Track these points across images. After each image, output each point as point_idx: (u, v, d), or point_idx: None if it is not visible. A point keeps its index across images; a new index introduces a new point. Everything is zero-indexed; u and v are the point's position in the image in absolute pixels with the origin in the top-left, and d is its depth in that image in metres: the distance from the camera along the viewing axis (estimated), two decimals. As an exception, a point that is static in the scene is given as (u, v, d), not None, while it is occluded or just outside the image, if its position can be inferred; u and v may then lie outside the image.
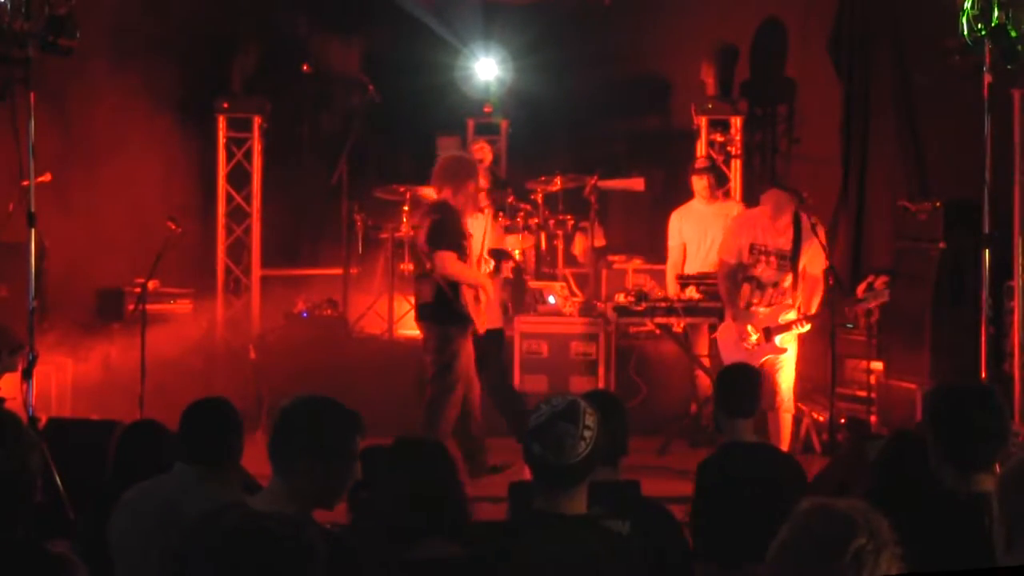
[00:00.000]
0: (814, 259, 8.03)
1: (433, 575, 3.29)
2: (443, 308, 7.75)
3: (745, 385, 5.39)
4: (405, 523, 3.30)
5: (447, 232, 7.72)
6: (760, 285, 8.06)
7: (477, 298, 7.85)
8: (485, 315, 7.96)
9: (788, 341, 8.01)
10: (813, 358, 9.37)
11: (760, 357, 8.02)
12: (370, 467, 4.21)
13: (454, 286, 7.72)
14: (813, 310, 8.02)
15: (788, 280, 8.03)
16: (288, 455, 3.43)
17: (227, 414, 4.18)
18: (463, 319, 7.74)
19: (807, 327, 8.01)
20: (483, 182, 10.50)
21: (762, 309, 8.03)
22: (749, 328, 7.96)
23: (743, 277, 8.07)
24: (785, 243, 7.99)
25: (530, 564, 3.33)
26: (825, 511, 2.52)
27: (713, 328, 8.79)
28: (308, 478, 3.41)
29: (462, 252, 7.77)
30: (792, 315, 8.00)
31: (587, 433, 3.37)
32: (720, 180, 10.02)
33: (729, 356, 8.13)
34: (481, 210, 8.55)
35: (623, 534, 3.88)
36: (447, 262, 7.66)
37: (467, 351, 7.82)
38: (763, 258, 8.02)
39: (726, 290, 8.12)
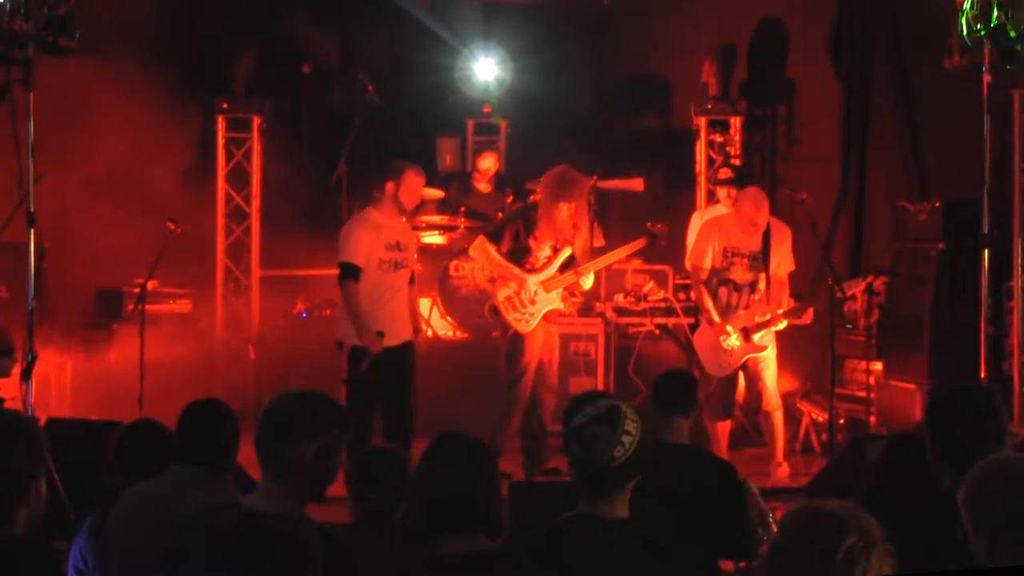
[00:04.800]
0: (781, 263, 8.11)
1: (469, 570, 3.30)
2: None
3: (682, 384, 5.44)
4: (442, 517, 3.32)
5: (502, 224, 8.10)
6: (737, 287, 8.11)
7: (513, 297, 7.96)
8: (522, 316, 8.02)
9: (767, 339, 8.04)
10: (813, 358, 9.39)
11: (741, 357, 8.04)
12: (378, 467, 4.22)
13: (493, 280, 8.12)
14: (781, 310, 8.05)
15: (762, 280, 8.07)
16: (278, 450, 3.42)
17: (222, 415, 4.18)
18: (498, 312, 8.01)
19: (784, 324, 8.04)
20: (487, 188, 10.55)
21: (741, 311, 8.07)
22: (728, 328, 7.99)
23: (719, 281, 8.11)
24: (755, 244, 8.06)
25: (566, 566, 3.34)
26: (814, 512, 2.53)
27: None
28: (299, 472, 3.40)
29: (518, 253, 8.02)
30: (767, 314, 8.03)
31: (626, 439, 3.38)
32: (741, 187, 9.93)
33: (708, 360, 8.16)
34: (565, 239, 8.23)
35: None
36: (476, 245, 8.10)
37: (532, 344, 7.98)
38: (737, 260, 8.09)
39: (701, 295, 8.16)
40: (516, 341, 8.00)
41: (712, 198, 10.17)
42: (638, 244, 8.42)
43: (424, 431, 7.46)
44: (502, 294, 8.00)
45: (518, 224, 8.08)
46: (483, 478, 3.36)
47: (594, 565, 3.36)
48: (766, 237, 8.05)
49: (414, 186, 7.59)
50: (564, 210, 7.91)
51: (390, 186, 7.55)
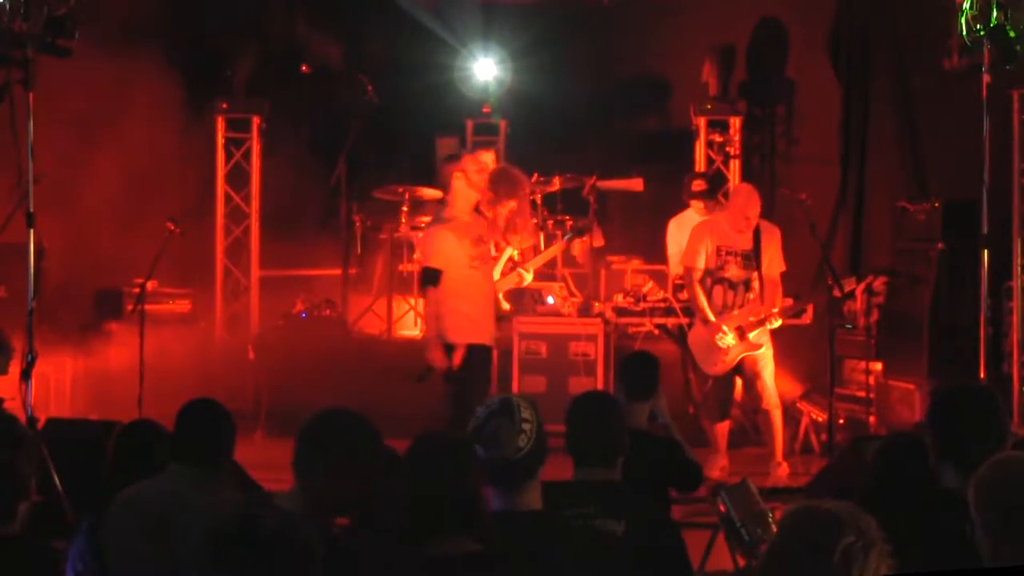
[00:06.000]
0: (772, 263, 8.12)
1: (455, 572, 3.32)
2: None
3: (640, 368, 5.46)
4: (429, 519, 3.33)
5: None
6: (732, 286, 8.14)
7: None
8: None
9: (761, 337, 8.06)
10: (812, 358, 9.38)
11: (737, 356, 8.06)
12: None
13: None
14: (776, 308, 8.05)
15: (755, 279, 8.10)
16: (308, 468, 3.52)
17: (218, 415, 4.19)
18: None
19: (778, 322, 8.06)
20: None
21: (735, 310, 8.08)
22: (724, 327, 8.00)
23: (713, 281, 8.13)
24: (747, 243, 8.09)
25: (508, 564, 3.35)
26: (812, 512, 2.54)
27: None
28: (327, 489, 3.49)
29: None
30: (762, 312, 8.04)
31: (525, 426, 3.45)
32: (714, 199, 9.82)
33: (704, 360, 8.19)
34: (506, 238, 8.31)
35: (617, 534, 3.89)
36: None
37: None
38: (731, 259, 8.12)
39: (695, 295, 8.16)
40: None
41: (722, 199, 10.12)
42: (564, 244, 9.00)
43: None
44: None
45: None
46: (464, 479, 3.37)
47: (517, 561, 3.37)
48: (756, 237, 8.08)
49: (475, 163, 7.52)
50: (508, 207, 7.92)
51: (457, 175, 7.39)
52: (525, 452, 3.44)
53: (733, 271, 8.12)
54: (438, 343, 7.29)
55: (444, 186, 7.50)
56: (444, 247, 7.34)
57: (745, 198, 8.09)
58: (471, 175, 7.41)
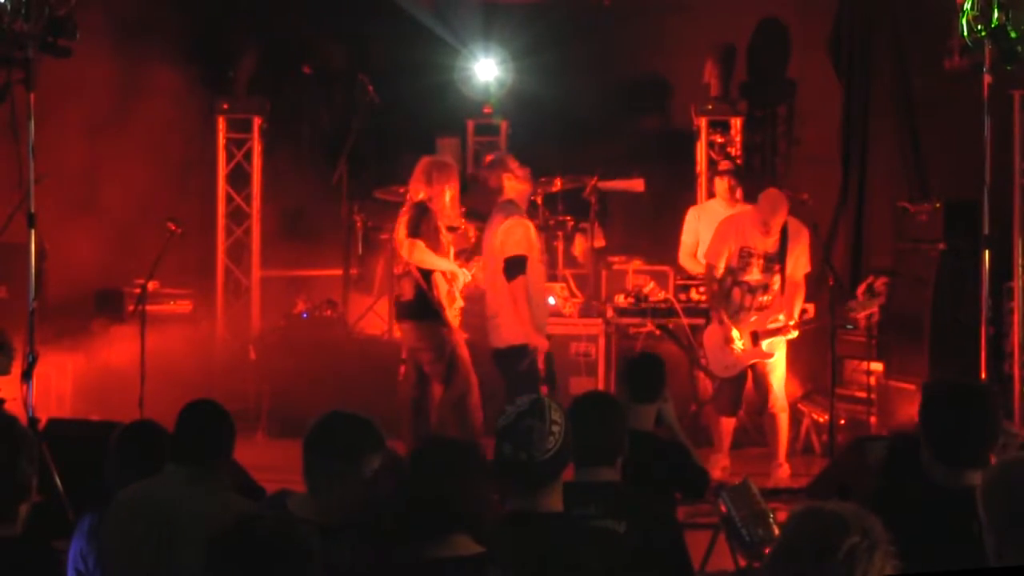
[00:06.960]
0: (797, 264, 8.09)
1: (457, 572, 3.33)
2: (425, 304, 7.85)
3: (645, 370, 5.46)
4: (431, 520, 3.34)
5: (416, 223, 7.88)
6: (751, 289, 8.10)
7: (452, 295, 7.91)
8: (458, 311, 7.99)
9: (776, 346, 8.03)
10: (813, 359, 9.38)
11: (747, 360, 8.04)
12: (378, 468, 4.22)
13: (427, 278, 7.85)
14: (795, 316, 8.03)
15: (776, 283, 8.05)
16: (312, 472, 3.58)
17: (217, 415, 4.19)
18: (439, 313, 7.85)
19: (795, 334, 8.02)
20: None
21: (752, 317, 8.06)
22: (734, 333, 7.99)
23: (732, 282, 8.09)
24: (772, 245, 8.03)
25: (510, 565, 3.35)
26: (816, 512, 2.55)
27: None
28: (336, 496, 3.54)
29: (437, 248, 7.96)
30: (780, 320, 8.01)
31: (555, 428, 3.45)
32: (741, 181, 9.86)
33: (715, 359, 8.16)
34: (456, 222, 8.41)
35: (618, 534, 3.89)
36: (413, 248, 7.83)
37: (463, 345, 7.89)
38: (753, 261, 8.06)
39: (713, 294, 8.14)
40: (447, 335, 7.93)
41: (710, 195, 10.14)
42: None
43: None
44: (443, 289, 7.89)
45: (425, 221, 7.96)
46: (467, 481, 3.38)
47: (536, 562, 3.38)
48: (783, 238, 8.02)
49: (514, 163, 7.65)
50: (448, 194, 7.90)
51: (507, 178, 7.51)
52: (552, 453, 3.44)
53: (754, 275, 8.07)
54: (538, 333, 7.44)
55: (489, 191, 7.52)
56: (531, 236, 7.49)
57: (771, 205, 7.97)
58: (516, 172, 7.56)
